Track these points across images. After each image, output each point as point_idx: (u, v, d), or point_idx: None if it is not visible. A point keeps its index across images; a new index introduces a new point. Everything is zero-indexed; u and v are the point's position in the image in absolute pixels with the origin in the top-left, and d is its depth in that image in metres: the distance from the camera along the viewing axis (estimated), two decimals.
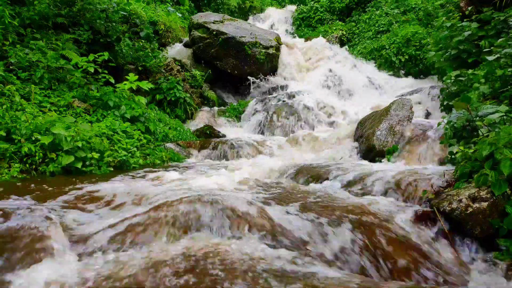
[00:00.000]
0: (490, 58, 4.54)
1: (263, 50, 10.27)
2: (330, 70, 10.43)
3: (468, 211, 2.54)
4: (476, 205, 2.54)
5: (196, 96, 9.40)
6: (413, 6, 11.90)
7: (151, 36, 9.78)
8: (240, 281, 1.78)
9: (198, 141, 6.73)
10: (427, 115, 7.12)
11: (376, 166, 4.34)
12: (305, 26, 14.71)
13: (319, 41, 12.06)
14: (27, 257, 2.00)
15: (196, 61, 10.68)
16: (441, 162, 4.36)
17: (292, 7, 16.93)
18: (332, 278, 1.91)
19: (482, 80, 4.47)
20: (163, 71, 8.97)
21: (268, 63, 10.40)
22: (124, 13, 8.82)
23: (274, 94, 9.60)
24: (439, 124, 4.54)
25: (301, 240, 2.34)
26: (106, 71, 6.55)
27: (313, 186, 3.84)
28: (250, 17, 16.94)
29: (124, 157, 4.98)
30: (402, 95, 8.03)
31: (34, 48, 6.13)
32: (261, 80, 10.33)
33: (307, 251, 2.23)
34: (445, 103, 5.76)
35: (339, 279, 1.91)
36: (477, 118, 3.32)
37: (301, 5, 15.68)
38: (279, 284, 1.76)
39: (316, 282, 1.83)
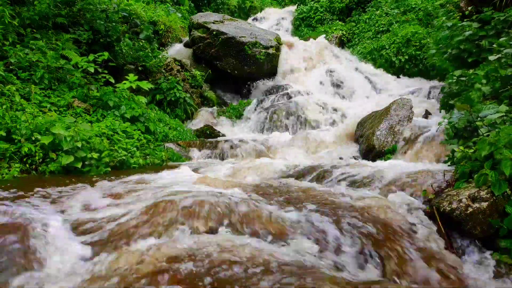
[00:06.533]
0: (492, 57, 4.53)
1: (263, 50, 10.27)
2: (330, 70, 10.44)
3: (468, 211, 2.54)
4: (476, 205, 2.54)
5: (196, 96, 9.40)
6: (413, 6, 11.89)
7: (151, 37, 9.78)
8: None
9: (198, 141, 6.72)
10: (427, 115, 7.11)
11: (375, 166, 4.33)
12: (305, 26, 14.70)
13: (319, 41, 12.06)
14: None
15: (196, 61, 10.68)
16: (442, 162, 4.36)
17: (292, 7, 16.93)
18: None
19: (484, 81, 4.46)
20: (163, 71, 8.97)
21: (268, 63, 10.40)
22: (124, 14, 8.83)
23: (274, 94, 9.60)
24: (439, 123, 4.54)
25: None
26: (106, 71, 6.55)
27: (312, 185, 3.83)
28: (250, 17, 16.95)
29: (124, 157, 4.97)
30: (402, 95, 8.02)
31: (34, 48, 6.13)
32: (261, 80, 10.34)
33: None
34: (445, 103, 5.75)
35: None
36: (478, 118, 3.32)
37: (301, 5, 15.67)
38: None
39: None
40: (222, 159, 6.21)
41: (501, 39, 5.03)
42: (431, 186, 3.11)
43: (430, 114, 7.05)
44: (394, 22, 11.73)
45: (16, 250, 2.02)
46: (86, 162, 4.52)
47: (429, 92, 8.07)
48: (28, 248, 2.05)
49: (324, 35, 12.85)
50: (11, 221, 2.30)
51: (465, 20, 6.49)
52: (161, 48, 10.74)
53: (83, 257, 2.11)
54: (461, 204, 2.59)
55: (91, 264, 2.01)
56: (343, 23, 13.80)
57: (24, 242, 2.09)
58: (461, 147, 3.24)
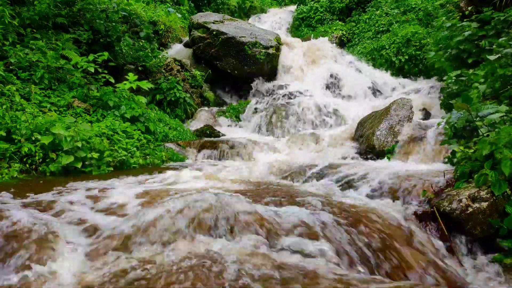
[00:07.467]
0: (491, 57, 4.53)
1: (263, 50, 10.27)
2: (330, 70, 10.43)
3: (468, 211, 2.54)
4: (476, 205, 2.54)
5: (196, 96, 9.40)
6: (413, 6, 11.88)
7: (151, 36, 9.78)
8: None
9: (198, 141, 6.72)
10: (427, 115, 7.12)
11: (375, 166, 4.34)
12: (305, 26, 14.70)
13: (319, 41, 12.07)
14: None
15: (196, 61, 10.68)
16: (441, 162, 4.36)
17: (292, 7, 16.93)
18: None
19: (483, 81, 4.46)
20: (163, 71, 8.97)
21: (268, 63, 10.40)
22: (124, 13, 8.83)
23: (274, 94, 9.59)
24: (439, 124, 4.55)
25: None
26: (106, 71, 6.55)
27: (311, 185, 3.84)
28: (251, 17, 16.96)
29: (124, 157, 4.97)
30: (402, 95, 8.03)
31: (34, 48, 6.13)
32: (261, 80, 10.34)
33: None
34: (445, 103, 5.76)
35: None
36: (478, 118, 3.32)
37: (301, 5, 15.67)
38: None
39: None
40: (222, 159, 6.20)
41: (501, 39, 5.03)
42: (431, 186, 3.11)
43: (430, 114, 7.06)
44: (394, 22, 11.72)
45: None
46: (86, 162, 4.52)
47: (429, 92, 8.06)
48: None
49: (324, 35, 12.86)
50: None
51: (465, 20, 6.49)
52: (161, 48, 10.73)
53: None
54: (461, 204, 2.59)
55: None
56: (343, 23, 13.79)
57: None
58: (461, 147, 3.24)
